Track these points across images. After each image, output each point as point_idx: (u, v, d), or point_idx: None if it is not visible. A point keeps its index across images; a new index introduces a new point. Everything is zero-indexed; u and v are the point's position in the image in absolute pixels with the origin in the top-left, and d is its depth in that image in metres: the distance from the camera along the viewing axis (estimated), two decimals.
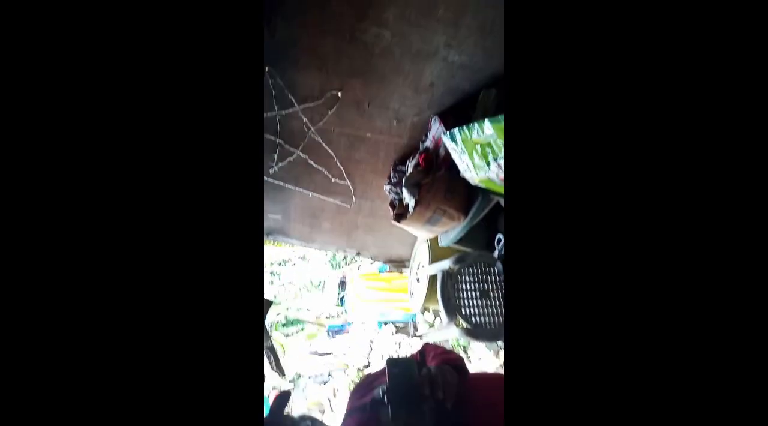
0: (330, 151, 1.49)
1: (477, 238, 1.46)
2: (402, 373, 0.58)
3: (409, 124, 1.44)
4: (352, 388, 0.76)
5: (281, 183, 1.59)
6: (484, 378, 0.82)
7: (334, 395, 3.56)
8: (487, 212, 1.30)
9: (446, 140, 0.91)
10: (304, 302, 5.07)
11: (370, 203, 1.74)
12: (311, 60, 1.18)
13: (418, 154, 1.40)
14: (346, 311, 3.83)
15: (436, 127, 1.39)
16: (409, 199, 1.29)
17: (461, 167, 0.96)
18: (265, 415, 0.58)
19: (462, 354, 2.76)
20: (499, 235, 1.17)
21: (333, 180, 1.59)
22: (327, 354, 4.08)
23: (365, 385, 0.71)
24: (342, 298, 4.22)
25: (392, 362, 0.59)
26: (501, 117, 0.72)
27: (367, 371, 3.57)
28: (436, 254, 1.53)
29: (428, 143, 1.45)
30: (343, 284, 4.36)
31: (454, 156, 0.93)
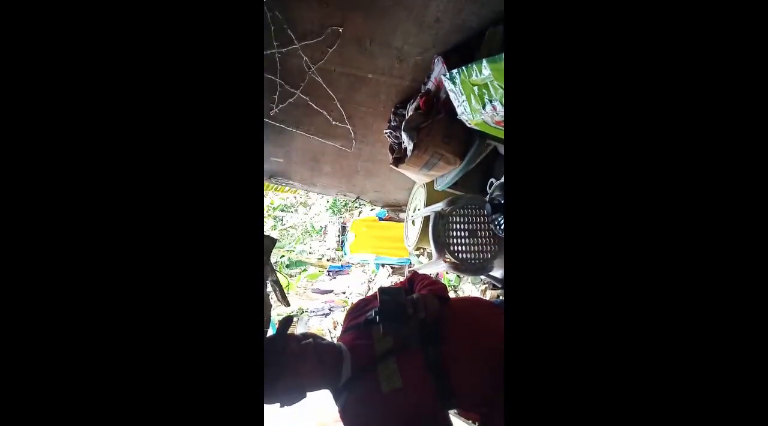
0: (330, 92, 1.48)
1: (472, 183, 1.51)
2: (391, 299, 0.67)
3: (412, 64, 1.40)
4: (347, 311, 0.87)
5: (282, 125, 1.60)
6: (461, 300, 0.93)
7: (334, 327, 3.92)
8: (483, 157, 1.33)
9: (445, 81, 0.91)
10: (306, 246, 5.29)
11: (370, 147, 1.76)
12: None
13: (419, 97, 1.39)
14: (345, 254, 4.04)
15: (438, 69, 1.36)
16: (407, 143, 1.32)
17: (458, 109, 0.97)
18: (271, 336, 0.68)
19: (452, 293, 2.99)
20: (492, 180, 1.22)
21: (333, 123, 1.59)
22: (328, 292, 4.38)
23: (359, 307, 0.81)
24: (342, 242, 4.41)
25: (383, 290, 0.69)
26: (499, 56, 0.73)
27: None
28: (432, 198, 1.59)
29: (430, 85, 1.42)
30: (343, 229, 4.52)
31: (453, 98, 0.94)
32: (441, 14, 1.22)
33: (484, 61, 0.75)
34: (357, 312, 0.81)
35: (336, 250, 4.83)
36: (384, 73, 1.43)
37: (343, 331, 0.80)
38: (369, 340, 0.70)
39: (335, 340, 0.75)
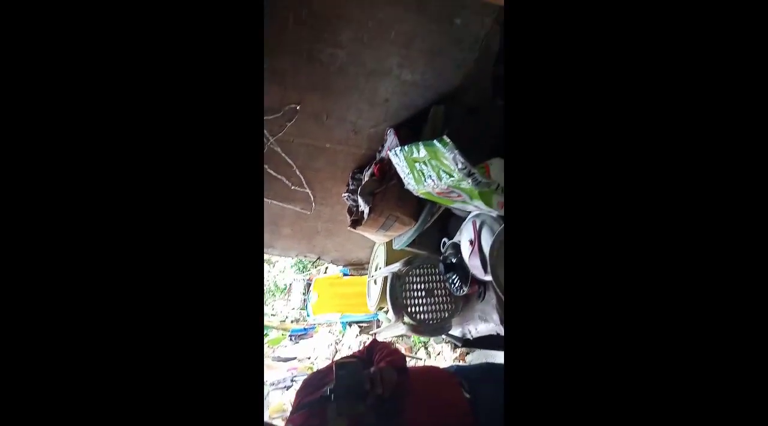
0: (289, 160, 1.54)
1: (429, 241, 1.58)
2: (347, 374, 0.66)
3: (366, 135, 1.53)
4: (299, 386, 0.83)
5: None
6: (418, 371, 0.92)
7: None
8: (438, 216, 1.42)
9: (392, 156, 1.01)
10: (269, 307, 4.98)
11: (329, 209, 1.81)
12: (270, 76, 1.23)
13: (373, 164, 1.49)
14: (308, 315, 3.84)
15: (391, 139, 1.49)
16: (364, 207, 1.38)
17: (405, 181, 1.07)
18: None
19: (422, 349, 2.89)
20: (444, 239, 1.30)
21: (292, 188, 1.64)
22: (290, 359, 4.04)
23: (313, 383, 0.78)
24: (306, 302, 4.21)
25: (339, 365, 0.68)
26: (431, 142, 0.84)
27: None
28: (391, 257, 1.63)
29: (384, 153, 1.54)
30: (308, 287, 4.34)
31: (399, 171, 1.04)
32: (390, 95, 1.38)
33: (420, 143, 0.86)
34: (310, 387, 0.77)
35: (301, 309, 4.57)
36: (341, 143, 1.54)
37: (295, 409, 0.75)
38: (323, 419, 0.66)
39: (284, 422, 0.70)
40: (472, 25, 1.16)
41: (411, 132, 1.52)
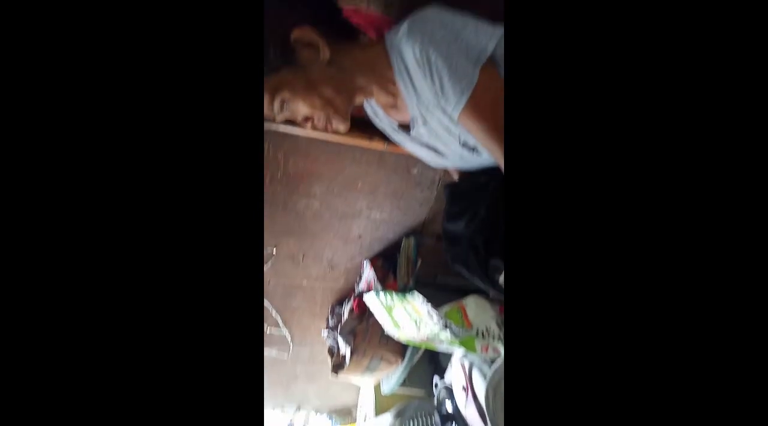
0: (266, 301, 1.50)
1: (420, 378, 1.43)
2: None
3: (343, 269, 1.55)
4: None
5: None
6: None
7: None
8: (425, 351, 1.33)
9: (367, 299, 1.01)
10: None
11: (309, 349, 1.67)
12: None
13: (352, 299, 1.47)
14: None
15: (367, 272, 1.51)
16: (345, 349, 1.29)
17: (383, 326, 1.04)
18: None
19: None
20: (435, 379, 1.18)
21: (268, 331, 1.54)
22: None
23: None
24: None
25: None
26: (404, 295, 0.85)
27: None
28: (381, 405, 1.44)
29: (362, 286, 1.54)
30: None
31: (376, 315, 1.02)
32: (362, 232, 1.47)
33: (394, 293, 0.87)
34: None
35: None
36: (318, 279, 1.54)
37: None
38: None
39: None
40: (427, 172, 1.35)
41: (386, 261, 1.57)
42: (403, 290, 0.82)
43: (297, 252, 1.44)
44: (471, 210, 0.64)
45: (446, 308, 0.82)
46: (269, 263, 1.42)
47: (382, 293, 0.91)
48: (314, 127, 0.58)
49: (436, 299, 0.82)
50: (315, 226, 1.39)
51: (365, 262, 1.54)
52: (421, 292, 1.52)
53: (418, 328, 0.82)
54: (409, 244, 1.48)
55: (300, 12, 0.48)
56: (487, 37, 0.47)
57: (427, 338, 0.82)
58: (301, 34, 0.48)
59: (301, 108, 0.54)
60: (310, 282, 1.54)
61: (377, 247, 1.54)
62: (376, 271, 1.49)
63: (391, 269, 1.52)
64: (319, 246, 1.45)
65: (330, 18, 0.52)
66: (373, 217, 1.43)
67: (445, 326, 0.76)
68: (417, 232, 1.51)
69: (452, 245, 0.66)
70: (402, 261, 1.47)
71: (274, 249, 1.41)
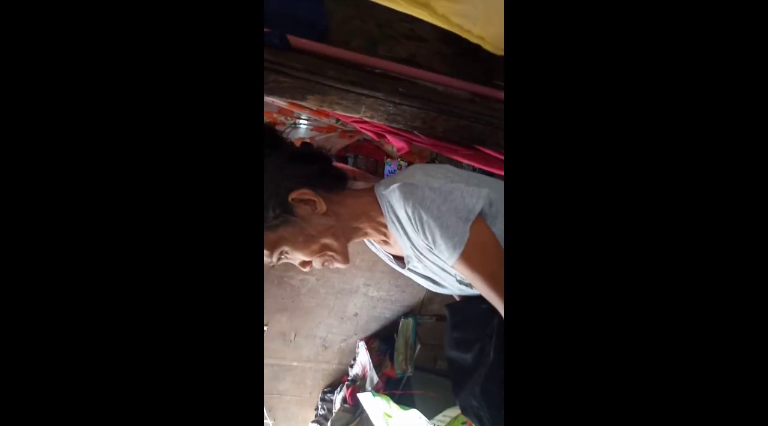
0: None
1: None
2: None
3: (337, 349, 1.46)
4: None
5: None
6: None
7: None
8: None
9: (362, 399, 0.92)
10: None
11: None
12: None
13: (345, 387, 1.35)
14: None
15: (362, 354, 1.42)
16: None
17: None
18: None
19: None
20: None
21: None
22: None
23: None
24: None
25: None
26: (406, 406, 0.78)
27: None
28: None
29: (357, 369, 1.43)
30: None
31: (370, 414, 0.92)
32: (358, 309, 1.42)
33: (392, 402, 0.80)
34: None
35: None
36: (309, 360, 1.44)
37: None
38: None
39: None
40: None
41: (383, 343, 1.47)
42: (401, 378, 0.75)
43: (289, 330, 1.38)
44: (478, 344, 0.62)
45: (447, 420, 0.73)
46: None
47: (379, 398, 0.83)
48: (312, 268, 0.61)
49: (435, 404, 0.74)
50: (310, 302, 1.35)
51: (360, 343, 1.45)
52: (420, 378, 1.39)
53: None
54: (407, 326, 1.41)
55: (294, 173, 0.52)
56: (474, 199, 0.50)
57: None
58: (299, 195, 0.52)
59: (300, 256, 0.56)
60: (300, 363, 1.43)
61: (374, 327, 1.47)
62: (371, 353, 1.40)
63: (387, 353, 1.42)
64: (312, 324, 1.39)
65: (322, 173, 0.56)
66: (370, 295, 1.39)
67: None
68: (415, 312, 1.44)
69: (458, 375, 0.63)
70: (400, 344, 1.38)
71: (266, 327, 1.35)
